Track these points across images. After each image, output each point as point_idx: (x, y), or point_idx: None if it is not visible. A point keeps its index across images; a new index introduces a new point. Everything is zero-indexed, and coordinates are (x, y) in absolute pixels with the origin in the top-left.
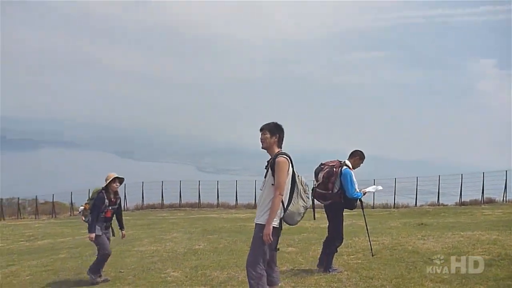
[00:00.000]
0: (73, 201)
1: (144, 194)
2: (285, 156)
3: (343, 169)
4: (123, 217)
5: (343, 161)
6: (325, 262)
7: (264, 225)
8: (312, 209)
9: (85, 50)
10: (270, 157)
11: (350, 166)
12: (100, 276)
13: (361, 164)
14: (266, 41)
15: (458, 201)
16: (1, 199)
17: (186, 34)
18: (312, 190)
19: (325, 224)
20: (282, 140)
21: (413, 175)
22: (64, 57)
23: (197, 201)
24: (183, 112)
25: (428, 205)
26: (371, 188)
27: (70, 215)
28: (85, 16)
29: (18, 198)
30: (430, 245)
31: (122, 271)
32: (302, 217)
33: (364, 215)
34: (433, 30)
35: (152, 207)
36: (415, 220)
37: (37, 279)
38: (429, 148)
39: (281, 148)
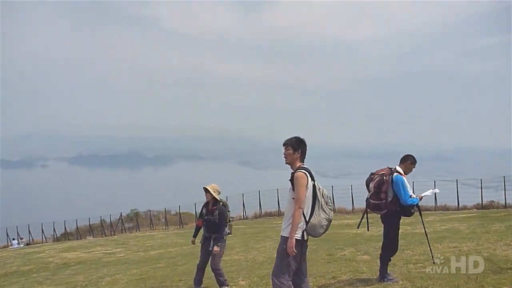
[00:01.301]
0: (197, 212)
1: (261, 202)
2: (303, 171)
3: (394, 176)
4: (222, 228)
5: (394, 167)
6: (380, 271)
7: (287, 237)
8: (366, 219)
9: (203, 65)
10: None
11: (402, 172)
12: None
13: (413, 169)
14: (389, 36)
15: None
16: (137, 212)
17: (302, 40)
18: (366, 201)
19: (418, 230)
20: (305, 154)
21: None
22: (186, 74)
23: None
24: (301, 117)
25: None
26: (428, 192)
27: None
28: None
29: (150, 210)
30: None
31: None
32: (326, 229)
33: (422, 221)
34: None
35: (269, 214)
36: None
37: (129, 286)
38: None
39: (303, 162)
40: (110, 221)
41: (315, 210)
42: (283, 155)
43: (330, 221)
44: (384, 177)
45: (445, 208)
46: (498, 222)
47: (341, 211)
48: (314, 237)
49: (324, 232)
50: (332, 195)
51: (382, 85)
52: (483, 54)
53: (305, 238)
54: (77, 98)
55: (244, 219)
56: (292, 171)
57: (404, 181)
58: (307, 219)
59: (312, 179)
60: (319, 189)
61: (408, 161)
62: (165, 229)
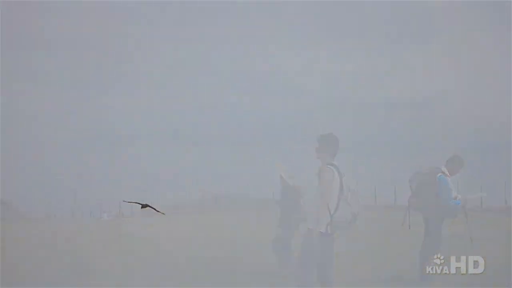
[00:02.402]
0: None
1: None
2: (330, 166)
3: (438, 176)
4: None
5: (439, 167)
6: (420, 269)
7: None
8: (407, 217)
9: None
10: None
11: (447, 173)
12: None
13: (460, 170)
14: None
15: None
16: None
17: None
18: (408, 199)
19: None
20: (335, 151)
21: None
22: None
23: None
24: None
25: None
26: (474, 196)
27: None
28: None
29: None
30: None
31: None
32: (351, 224)
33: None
34: None
35: None
36: None
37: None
38: None
39: (333, 158)
40: None
41: (339, 205)
42: (316, 149)
43: (356, 215)
44: (428, 177)
45: None
46: None
47: None
48: (338, 231)
49: (349, 226)
50: None
51: None
52: None
53: (329, 232)
54: None
55: None
56: (321, 165)
57: (447, 182)
58: (331, 213)
59: (339, 174)
60: (346, 184)
61: (455, 162)
62: None
